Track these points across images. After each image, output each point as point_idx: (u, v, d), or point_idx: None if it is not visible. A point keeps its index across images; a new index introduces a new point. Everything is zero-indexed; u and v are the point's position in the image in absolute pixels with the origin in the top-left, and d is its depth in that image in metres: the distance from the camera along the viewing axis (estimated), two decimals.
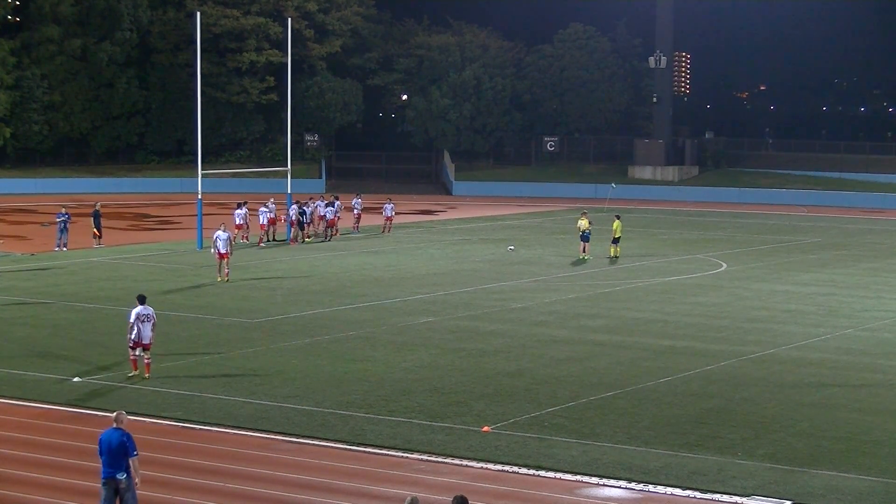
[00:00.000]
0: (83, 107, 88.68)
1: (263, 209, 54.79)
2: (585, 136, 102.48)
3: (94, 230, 52.34)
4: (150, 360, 27.21)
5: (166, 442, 22.47)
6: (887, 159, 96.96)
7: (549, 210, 77.54)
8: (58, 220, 51.02)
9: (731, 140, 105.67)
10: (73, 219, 53.32)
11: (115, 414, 17.76)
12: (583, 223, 50.27)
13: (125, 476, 17.38)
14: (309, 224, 56.39)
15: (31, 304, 37.01)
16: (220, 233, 41.92)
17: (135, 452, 17.47)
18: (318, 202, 58.33)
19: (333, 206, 57.39)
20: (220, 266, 41.84)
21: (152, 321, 27.15)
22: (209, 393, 25.93)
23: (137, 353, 27.10)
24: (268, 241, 54.68)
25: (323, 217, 57.11)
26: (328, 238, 56.60)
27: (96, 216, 52.70)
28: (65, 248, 50.25)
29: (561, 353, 30.89)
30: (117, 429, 17.49)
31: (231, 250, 42.20)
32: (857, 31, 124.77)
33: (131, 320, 27.02)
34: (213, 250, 42.11)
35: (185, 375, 27.58)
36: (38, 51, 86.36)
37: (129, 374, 27.19)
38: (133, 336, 26.97)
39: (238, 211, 54.32)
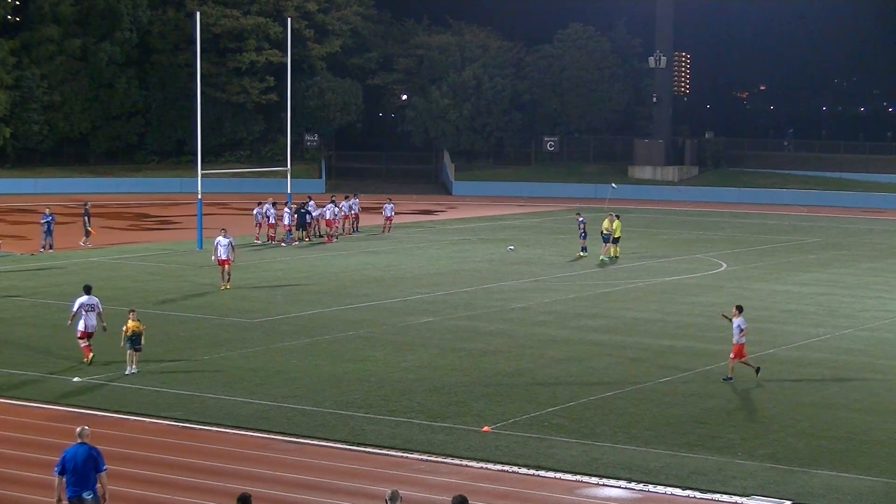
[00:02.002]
0: (83, 107, 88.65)
1: (287, 210, 54.96)
2: (585, 136, 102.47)
3: (90, 228, 52.35)
4: (90, 344, 28.52)
5: (166, 442, 22.48)
6: (887, 159, 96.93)
7: (549, 210, 77.53)
8: (42, 221, 50.41)
9: (731, 140, 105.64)
10: (58, 219, 53.20)
11: (78, 429, 16.79)
12: (607, 224, 49.77)
13: (92, 495, 16.35)
14: (311, 224, 56.60)
15: (31, 304, 37.01)
16: (220, 238, 40.56)
17: (104, 468, 16.54)
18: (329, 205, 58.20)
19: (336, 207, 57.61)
20: (222, 272, 40.72)
21: (97, 310, 28.47)
22: (209, 393, 25.94)
23: (86, 341, 28.49)
24: (267, 240, 54.86)
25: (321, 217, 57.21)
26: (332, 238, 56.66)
27: (86, 215, 52.67)
28: (51, 250, 49.54)
29: (561, 353, 30.89)
30: (83, 444, 16.43)
31: (233, 256, 40.92)
32: (857, 31, 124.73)
33: (74, 309, 28.50)
34: (213, 257, 41.01)
35: (185, 375, 27.59)
36: (38, 51, 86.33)
37: (83, 361, 28.37)
38: (80, 326, 28.32)
39: (266, 211, 54.78)
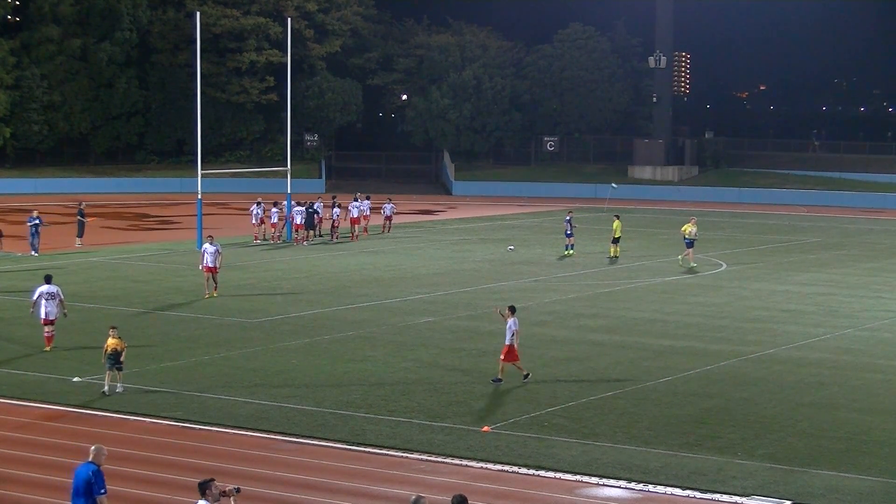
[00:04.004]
0: (83, 107, 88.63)
1: (298, 209, 55.35)
2: (585, 136, 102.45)
3: (87, 220, 52.42)
4: (52, 334, 29.97)
5: (166, 442, 22.48)
6: (887, 159, 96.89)
7: (549, 210, 77.50)
8: (29, 224, 49.28)
9: (731, 140, 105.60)
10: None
11: (92, 447, 16.30)
12: (688, 228, 48.13)
13: None
14: (319, 223, 56.97)
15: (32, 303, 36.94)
16: (207, 246, 39.20)
17: (102, 491, 15.88)
18: (354, 202, 58.55)
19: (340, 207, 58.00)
20: (207, 280, 39.04)
21: (57, 299, 29.89)
22: (209, 393, 25.93)
23: (47, 329, 29.87)
24: (263, 240, 55.14)
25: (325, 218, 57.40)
26: (333, 238, 56.77)
27: (80, 215, 52.63)
28: (35, 253, 48.43)
29: (561, 353, 30.89)
30: (90, 463, 16.01)
31: (220, 264, 39.23)
32: (857, 31, 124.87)
33: (34, 297, 30.04)
34: (200, 265, 39.50)
35: (185, 375, 27.58)
36: (38, 51, 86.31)
37: (45, 349, 29.84)
38: (40, 313, 29.78)
39: (259, 209, 55.24)
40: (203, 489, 14.86)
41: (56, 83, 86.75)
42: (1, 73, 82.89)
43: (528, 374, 27.31)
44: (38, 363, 28.65)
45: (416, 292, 40.41)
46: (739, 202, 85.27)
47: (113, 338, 25.71)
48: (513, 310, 27.31)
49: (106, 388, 25.60)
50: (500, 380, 27.03)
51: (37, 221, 49.35)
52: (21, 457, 21.47)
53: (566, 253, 51.41)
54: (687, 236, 48.26)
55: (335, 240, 56.24)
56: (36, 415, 24.32)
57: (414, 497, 14.14)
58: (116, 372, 25.69)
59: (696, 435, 23.26)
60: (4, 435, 22.80)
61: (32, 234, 49.15)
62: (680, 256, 48.91)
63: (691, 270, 47.12)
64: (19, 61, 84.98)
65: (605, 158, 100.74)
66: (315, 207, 56.58)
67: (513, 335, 26.91)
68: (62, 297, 30.27)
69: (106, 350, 25.60)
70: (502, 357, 27.13)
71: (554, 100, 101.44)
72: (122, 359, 25.63)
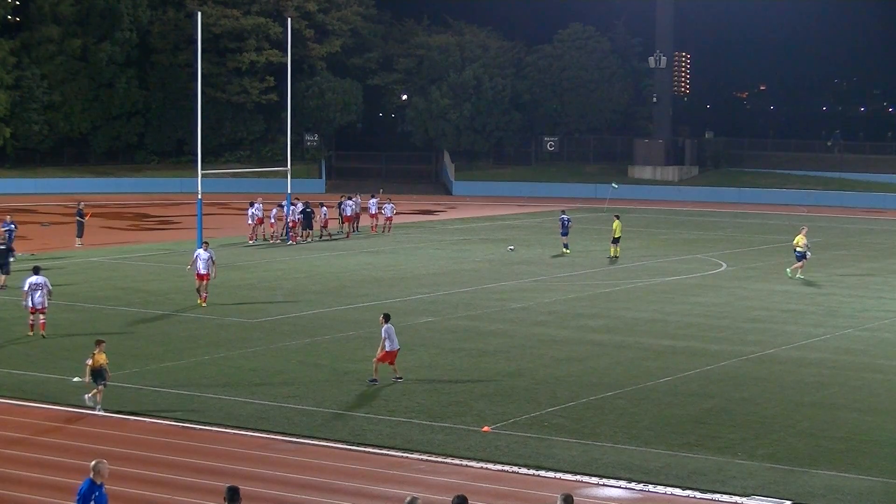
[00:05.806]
0: (83, 107, 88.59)
1: (294, 208, 55.92)
2: (585, 136, 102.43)
3: (85, 218, 52.63)
4: (44, 321, 31.65)
5: (166, 442, 22.48)
6: (887, 159, 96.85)
7: (549, 210, 77.48)
8: (3, 229, 46.67)
9: (731, 140, 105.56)
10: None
11: (92, 463, 15.48)
12: (799, 239, 44.87)
13: None
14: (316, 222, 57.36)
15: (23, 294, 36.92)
16: (200, 252, 37.43)
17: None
18: (348, 201, 59.30)
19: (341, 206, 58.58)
20: (199, 288, 37.38)
21: (44, 289, 31.66)
22: (209, 393, 25.94)
23: (34, 317, 31.57)
24: (259, 239, 55.53)
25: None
26: (331, 237, 56.99)
27: (80, 215, 52.63)
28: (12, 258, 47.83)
29: (561, 353, 30.90)
30: (86, 480, 15.30)
31: (213, 272, 37.44)
32: (857, 31, 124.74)
33: (25, 289, 31.76)
34: (188, 267, 38.09)
35: (185, 375, 27.59)
36: (38, 51, 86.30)
37: (28, 334, 31.57)
38: (28, 303, 31.52)
39: (256, 210, 55.94)
40: (232, 496, 14.30)
41: (56, 83, 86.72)
42: (1, 73, 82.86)
43: (375, 381, 26.90)
44: (38, 363, 28.64)
45: (416, 292, 40.42)
46: (739, 202, 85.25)
47: (99, 352, 24.26)
48: (387, 317, 27.31)
49: (97, 407, 24.34)
50: (375, 380, 26.84)
51: (11, 226, 47.07)
52: (21, 457, 21.48)
53: (565, 251, 51.58)
54: (798, 249, 44.83)
55: (325, 237, 56.52)
56: (36, 415, 24.31)
57: (409, 498, 14.10)
58: (100, 389, 24.35)
59: (696, 435, 23.26)
60: (4, 435, 22.79)
61: (8, 241, 47.84)
62: (789, 270, 45.71)
63: (807, 282, 44.46)
64: (19, 61, 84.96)
65: (605, 158, 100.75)
66: (311, 208, 56.65)
67: (384, 340, 26.76)
68: (49, 287, 32.08)
69: (92, 366, 24.19)
70: (389, 362, 27.03)
71: (554, 100, 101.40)
72: (107, 376, 24.46)
